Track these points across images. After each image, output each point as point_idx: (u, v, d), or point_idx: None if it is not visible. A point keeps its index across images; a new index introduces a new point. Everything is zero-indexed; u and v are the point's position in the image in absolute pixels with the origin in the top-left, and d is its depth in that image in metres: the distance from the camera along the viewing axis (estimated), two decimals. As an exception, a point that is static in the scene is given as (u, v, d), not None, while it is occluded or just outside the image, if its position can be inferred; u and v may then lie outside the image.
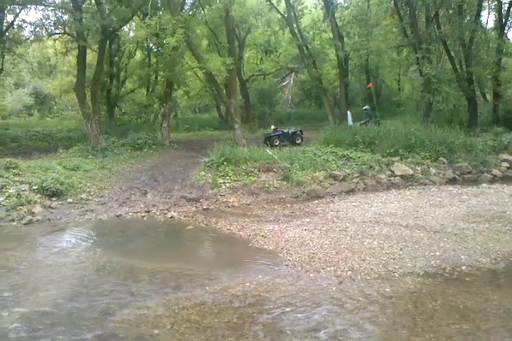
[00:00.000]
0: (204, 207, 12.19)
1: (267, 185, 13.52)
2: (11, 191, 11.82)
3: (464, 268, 6.98)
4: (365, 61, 26.94)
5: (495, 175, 15.18)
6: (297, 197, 13.17)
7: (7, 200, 11.52)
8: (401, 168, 14.77)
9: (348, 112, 21.01)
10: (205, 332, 5.29)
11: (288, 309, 5.86)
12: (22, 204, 11.56)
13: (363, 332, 5.21)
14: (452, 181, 14.57)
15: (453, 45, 20.05)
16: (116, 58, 25.84)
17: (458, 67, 20.01)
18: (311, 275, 7.01)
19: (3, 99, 32.42)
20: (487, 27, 22.90)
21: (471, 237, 8.35)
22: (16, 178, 12.46)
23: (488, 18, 37.57)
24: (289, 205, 12.26)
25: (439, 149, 15.66)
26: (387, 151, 15.43)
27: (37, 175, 12.77)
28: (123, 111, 28.77)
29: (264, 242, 8.85)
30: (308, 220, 10.26)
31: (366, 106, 21.22)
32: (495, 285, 6.54)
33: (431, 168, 15.00)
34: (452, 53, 20.15)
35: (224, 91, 20.49)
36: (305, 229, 9.42)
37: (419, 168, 14.93)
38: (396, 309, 5.82)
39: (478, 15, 20.05)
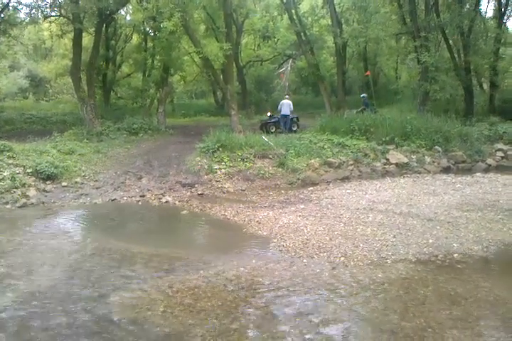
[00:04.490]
0: (199, 193, 12.23)
1: (262, 172, 13.54)
2: (5, 174, 11.77)
3: (455, 255, 7.05)
4: (363, 49, 26.79)
5: (489, 165, 15.32)
6: (292, 184, 13.22)
7: (1, 183, 11.46)
8: (396, 156, 14.82)
9: (287, 101, 18.86)
10: (198, 315, 5.33)
11: (281, 293, 5.91)
12: (16, 187, 11.52)
13: (354, 316, 5.27)
14: (447, 170, 14.67)
15: (451, 33, 19.99)
16: (112, 42, 25.54)
17: (456, 56, 19.99)
18: (305, 260, 7.06)
19: (-2, 82, 32.09)
20: (486, 16, 22.83)
21: (464, 225, 8.42)
22: (10, 161, 12.40)
23: (487, 7, 37.48)
24: (283, 192, 12.31)
25: (435, 138, 15.72)
26: (383, 139, 15.46)
27: (31, 159, 12.72)
28: (119, 95, 28.53)
29: (258, 228, 8.89)
30: (302, 207, 10.31)
31: (364, 94, 21.19)
32: (486, 273, 6.61)
33: (426, 157, 15.07)
34: (450, 42, 20.11)
35: (221, 77, 20.33)
36: (299, 216, 9.47)
37: (414, 157, 14.99)
38: (388, 294, 5.88)
39: (477, 3, 20.00)
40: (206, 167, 13.54)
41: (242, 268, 6.76)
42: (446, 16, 19.61)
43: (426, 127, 16.02)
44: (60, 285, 6.30)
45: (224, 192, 12.39)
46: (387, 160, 14.75)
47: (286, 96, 19.99)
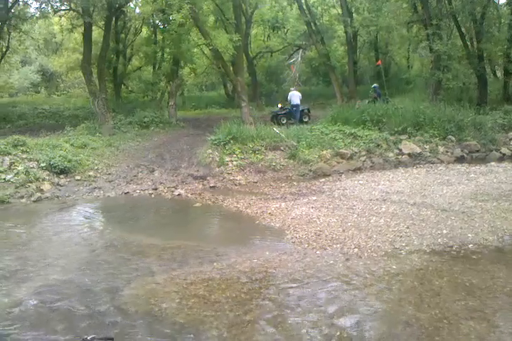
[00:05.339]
0: (211, 185, 12.26)
1: (273, 163, 13.52)
2: (19, 168, 11.90)
3: (470, 246, 6.98)
4: (375, 38, 26.48)
5: (504, 154, 15.12)
6: (304, 175, 13.19)
7: (16, 177, 11.61)
8: (409, 146, 14.69)
9: (296, 92, 18.86)
10: (212, 307, 5.37)
11: (295, 285, 5.92)
12: (31, 182, 11.66)
13: (369, 308, 5.26)
14: (460, 159, 14.52)
15: (464, 21, 19.65)
16: (122, 35, 25.52)
17: (468, 43, 19.67)
18: (318, 252, 7.05)
19: (11, 77, 32.30)
20: (499, 2, 22.37)
21: (479, 215, 8.33)
22: (24, 156, 12.52)
23: (501, -7, 36.65)
24: (295, 183, 12.28)
25: (448, 127, 15.53)
26: (395, 129, 15.31)
27: (45, 153, 12.82)
28: (129, 89, 28.59)
29: (271, 220, 8.90)
30: (315, 198, 10.28)
31: (375, 84, 20.97)
32: (501, 263, 6.52)
33: (439, 147, 14.92)
34: (463, 29, 19.78)
35: (231, 68, 20.25)
36: (312, 207, 9.45)
37: (427, 147, 14.85)
38: (402, 286, 5.85)
39: (490, -10, 19.56)
40: (218, 159, 13.54)
41: (255, 260, 6.77)
42: (458, 3, 19.27)
43: (439, 116, 15.83)
44: (75, 277, 6.39)
45: (236, 185, 12.41)
46: (400, 150, 14.63)
47: (292, 89, 19.86)
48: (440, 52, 17.73)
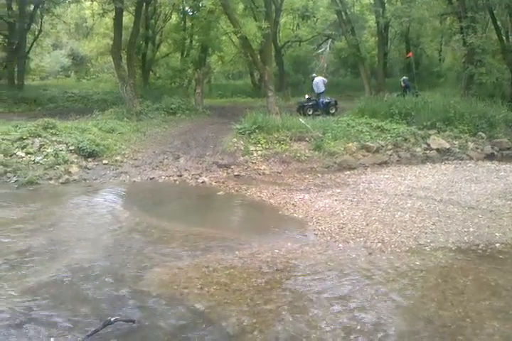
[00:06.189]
0: (235, 174, 12.29)
1: (298, 154, 13.45)
2: (48, 150, 12.16)
3: (497, 245, 6.84)
4: (406, 29, 25.94)
5: (536, 152, 14.69)
6: (329, 168, 13.09)
7: (45, 159, 11.87)
8: (437, 141, 14.42)
9: (320, 78, 19.10)
10: (233, 295, 5.40)
11: (316, 277, 5.90)
12: (59, 164, 11.90)
13: (390, 303, 5.21)
14: (490, 157, 14.18)
15: (500, 14, 19.10)
16: (152, 21, 25.59)
17: (504, 37, 19.11)
18: (340, 245, 7.02)
19: (42, 60, 32.82)
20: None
21: (507, 214, 8.14)
22: (54, 138, 12.76)
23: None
24: (320, 175, 12.21)
25: (479, 123, 15.18)
26: (424, 124, 15.02)
27: (74, 136, 13.04)
28: (157, 75, 28.73)
29: (294, 211, 8.88)
30: (339, 191, 10.21)
31: (404, 77, 20.60)
32: (529, 264, 6.40)
33: (469, 143, 14.61)
34: (499, 23, 19.19)
35: (258, 57, 20.12)
36: (336, 200, 9.40)
37: (456, 142, 14.55)
38: (425, 282, 5.79)
39: (528, -18, 18.91)
40: (242, 148, 13.54)
41: (277, 251, 6.78)
42: (495, -5, 18.73)
43: (470, 112, 15.46)
44: (100, 259, 6.51)
45: (260, 174, 12.41)
46: (428, 145, 14.37)
47: (314, 75, 19.69)
48: (474, 45, 17.29)
